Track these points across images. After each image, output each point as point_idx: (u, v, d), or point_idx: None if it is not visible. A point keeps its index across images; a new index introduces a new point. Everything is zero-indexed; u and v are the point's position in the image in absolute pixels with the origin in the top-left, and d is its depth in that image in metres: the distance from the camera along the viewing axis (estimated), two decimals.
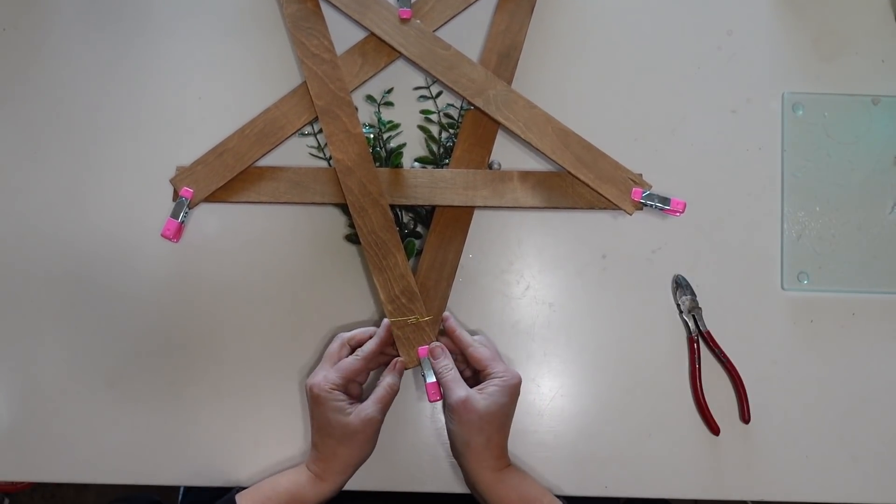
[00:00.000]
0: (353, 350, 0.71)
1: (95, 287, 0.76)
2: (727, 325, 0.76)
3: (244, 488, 0.70)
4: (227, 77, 0.80)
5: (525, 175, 0.76)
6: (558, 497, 0.69)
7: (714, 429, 0.74)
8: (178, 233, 0.76)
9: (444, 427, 0.74)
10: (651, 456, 0.74)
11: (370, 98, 0.79)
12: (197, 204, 0.76)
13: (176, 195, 0.76)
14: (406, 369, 0.72)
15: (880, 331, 0.76)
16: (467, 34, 0.79)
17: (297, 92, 0.78)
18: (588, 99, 0.79)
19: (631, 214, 0.76)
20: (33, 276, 0.77)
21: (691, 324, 0.75)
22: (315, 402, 0.68)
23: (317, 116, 0.77)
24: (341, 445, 0.68)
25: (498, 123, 0.77)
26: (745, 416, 0.74)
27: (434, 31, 0.78)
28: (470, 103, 0.77)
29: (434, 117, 0.79)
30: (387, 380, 0.70)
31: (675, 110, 0.79)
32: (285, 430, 0.75)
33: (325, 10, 0.79)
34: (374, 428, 0.69)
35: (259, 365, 0.75)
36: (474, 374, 0.72)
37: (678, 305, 0.76)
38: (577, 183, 0.76)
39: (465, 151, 0.77)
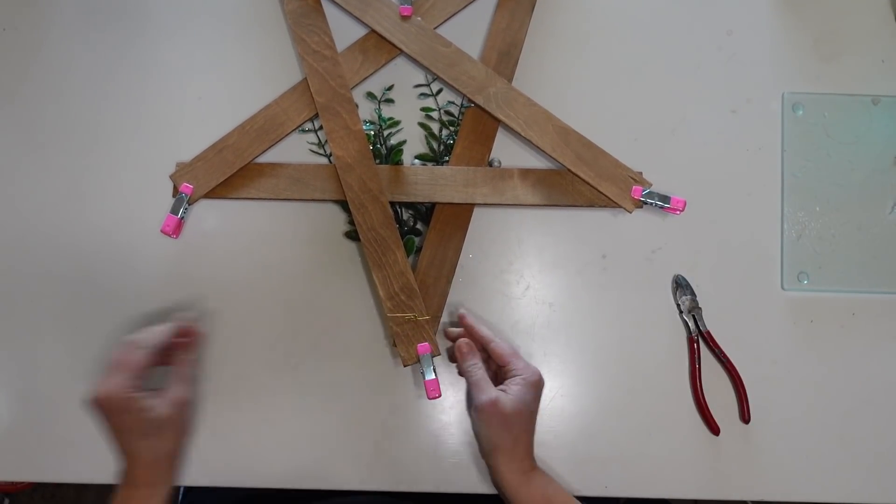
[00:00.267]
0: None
1: (95, 284, 0.76)
2: (727, 325, 0.76)
3: None
4: (227, 73, 0.80)
5: (525, 172, 0.76)
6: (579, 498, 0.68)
7: (714, 429, 0.74)
8: (177, 229, 0.76)
9: (444, 427, 0.74)
10: (651, 456, 0.74)
11: (371, 95, 0.79)
12: (197, 200, 0.76)
13: (176, 191, 0.76)
14: (405, 367, 0.72)
15: (880, 331, 0.76)
16: (468, 32, 0.80)
17: (297, 88, 0.78)
18: (588, 97, 0.79)
19: (631, 212, 0.76)
20: (33, 274, 0.76)
21: (691, 324, 0.75)
22: (113, 411, 0.61)
23: (317, 113, 0.76)
24: (160, 440, 0.63)
25: (498, 121, 0.77)
26: (745, 416, 0.74)
27: (435, 28, 0.79)
28: (470, 101, 0.77)
29: (434, 114, 0.79)
30: (181, 356, 0.67)
31: (675, 110, 0.79)
32: (285, 429, 0.74)
33: (326, 6, 0.79)
34: (186, 409, 0.65)
35: (258, 362, 0.75)
36: (493, 372, 0.71)
37: (678, 305, 0.76)
38: (578, 181, 0.76)
39: (466, 149, 0.77)
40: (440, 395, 0.71)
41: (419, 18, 0.78)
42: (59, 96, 0.79)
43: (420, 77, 0.80)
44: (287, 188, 0.76)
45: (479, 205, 0.77)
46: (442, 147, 0.78)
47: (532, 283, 0.77)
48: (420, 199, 0.75)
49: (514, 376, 0.67)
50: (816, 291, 0.77)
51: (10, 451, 0.74)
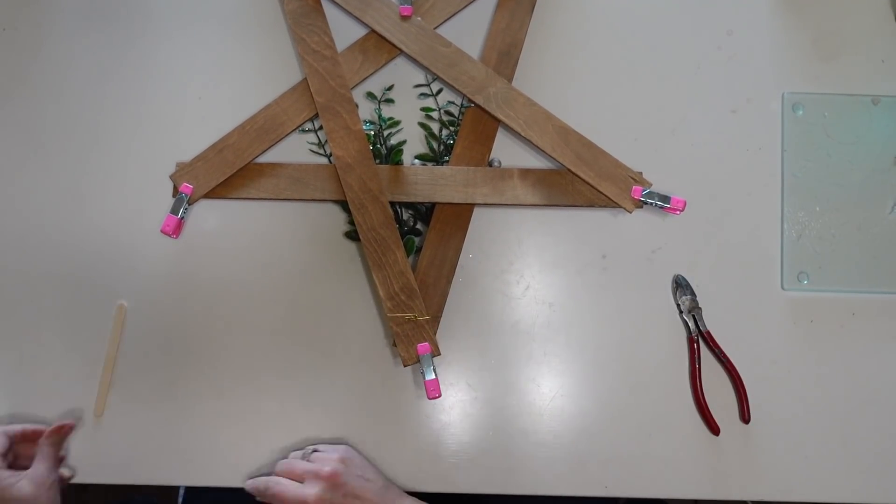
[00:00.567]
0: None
1: (95, 284, 0.76)
2: (727, 325, 0.76)
3: None
4: (227, 73, 0.80)
5: (525, 172, 0.76)
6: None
7: (714, 429, 0.74)
8: (177, 229, 0.76)
9: (444, 427, 0.74)
10: (651, 456, 0.74)
11: (371, 95, 0.79)
12: (197, 200, 0.76)
13: (176, 191, 0.76)
14: (405, 367, 0.72)
15: (880, 331, 0.76)
16: (468, 32, 0.80)
17: (297, 88, 0.78)
18: (588, 97, 0.79)
19: (631, 212, 0.76)
20: (33, 273, 0.76)
21: (691, 324, 0.75)
22: None
23: (317, 113, 0.76)
24: None
25: (498, 121, 0.77)
26: (745, 416, 0.74)
27: (435, 28, 0.79)
28: (470, 101, 0.77)
29: (434, 114, 0.79)
30: (45, 441, 0.68)
31: (675, 110, 0.79)
32: (285, 429, 0.74)
33: (326, 6, 0.79)
34: (50, 489, 0.66)
35: (258, 362, 0.75)
36: None
37: (678, 305, 0.76)
38: (578, 180, 0.76)
39: (466, 149, 0.77)
40: (440, 395, 0.71)
41: (419, 18, 0.78)
42: (59, 96, 0.79)
43: (420, 77, 0.80)
44: (287, 188, 0.76)
45: (479, 205, 0.77)
46: (442, 147, 0.78)
47: (532, 283, 0.77)
48: (420, 199, 0.75)
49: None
50: (816, 291, 0.77)
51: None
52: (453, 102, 0.79)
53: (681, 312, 0.76)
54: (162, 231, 0.75)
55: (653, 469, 0.74)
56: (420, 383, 0.74)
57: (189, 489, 0.88)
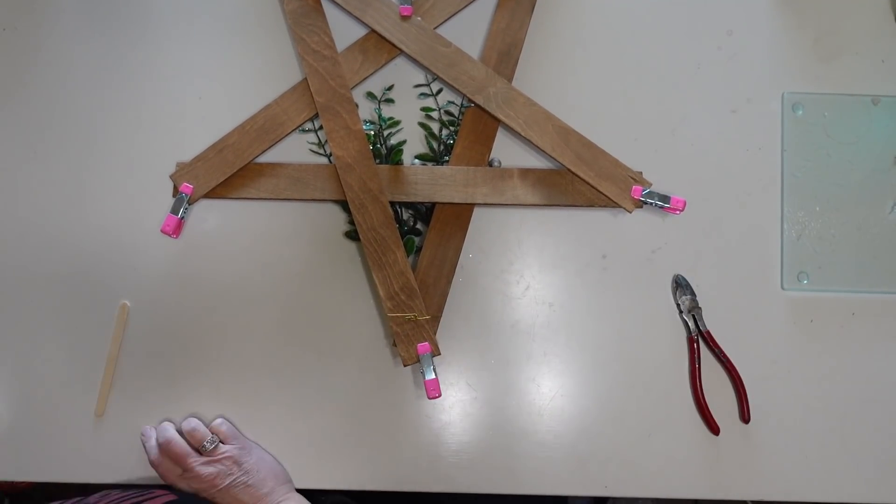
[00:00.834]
0: None
1: (95, 284, 0.76)
2: (727, 325, 0.76)
3: None
4: (227, 73, 0.80)
5: (525, 172, 0.76)
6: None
7: (714, 429, 0.74)
8: (177, 229, 0.76)
9: (444, 427, 0.74)
10: (651, 456, 0.74)
11: (371, 95, 0.79)
12: (197, 200, 0.76)
13: (176, 191, 0.76)
14: (405, 367, 0.72)
15: (880, 331, 0.76)
16: (468, 32, 0.80)
17: (297, 88, 0.78)
18: (588, 97, 0.79)
19: (631, 212, 0.76)
20: (33, 273, 0.76)
21: (691, 324, 0.75)
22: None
23: (317, 113, 0.76)
24: None
25: (498, 121, 0.77)
26: (745, 416, 0.74)
27: (435, 28, 0.79)
28: (470, 101, 0.77)
29: (434, 114, 0.79)
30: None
31: (675, 110, 0.79)
32: (285, 429, 0.74)
33: (326, 6, 0.79)
34: None
35: (259, 362, 0.75)
36: None
37: (678, 305, 0.76)
38: (577, 180, 0.76)
39: (466, 149, 0.77)
40: (440, 395, 0.71)
41: (419, 18, 0.78)
42: (59, 96, 0.79)
43: (420, 77, 0.80)
44: (287, 188, 0.76)
45: (479, 205, 0.77)
46: (442, 147, 0.78)
47: (532, 283, 0.77)
48: (420, 199, 0.75)
49: None
50: (816, 291, 0.77)
51: (10, 451, 0.74)
52: (453, 102, 0.79)
53: (681, 312, 0.76)
54: (162, 231, 0.75)
55: (653, 469, 0.74)
56: (420, 383, 0.74)
57: None
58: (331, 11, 0.79)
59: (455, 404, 0.75)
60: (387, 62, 0.79)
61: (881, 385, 0.75)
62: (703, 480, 0.74)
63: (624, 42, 0.81)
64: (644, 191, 0.76)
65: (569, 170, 0.76)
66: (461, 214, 0.76)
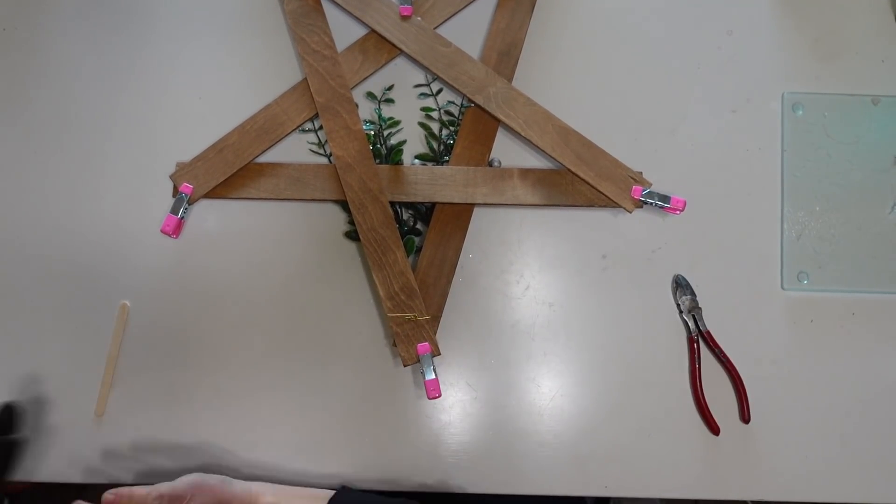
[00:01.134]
0: None
1: (95, 284, 0.76)
2: (727, 325, 0.76)
3: None
4: (227, 73, 0.80)
5: (525, 172, 0.76)
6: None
7: (714, 429, 0.74)
8: (177, 229, 0.76)
9: (444, 427, 0.74)
10: (651, 456, 0.74)
11: (371, 95, 0.79)
12: (197, 200, 0.76)
13: (176, 191, 0.76)
14: (405, 367, 0.72)
15: (880, 331, 0.76)
16: (468, 32, 0.80)
17: (297, 88, 0.78)
18: (588, 97, 0.79)
19: (631, 212, 0.76)
20: (33, 273, 0.76)
21: (691, 324, 0.75)
22: None
23: (317, 113, 0.76)
24: None
25: (498, 121, 0.77)
26: (745, 416, 0.74)
27: (435, 28, 0.79)
28: (470, 100, 0.77)
29: (434, 114, 0.79)
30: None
31: (675, 110, 0.79)
32: (285, 429, 0.74)
33: (326, 6, 0.79)
34: None
35: (258, 362, 0.75)
36: None
37: (678, 305, 0.76)
38: (577, 180, 0.76)
39: (466, 149, 0.77)
40: (440, 395, 0.71)
41: (419, 18, 0.78)
42: (58, 96, 0.79)
43: (420, 77, 0.80)
44: (287, 188, 0.76)
45: (479, 205, 0.77)
46: (442, 147, 0.78)
47: (532, 283, 0.77)
48: (420, 199, 0.75)
49: None
50: (816, 291, 0.77)
51: None
52: (453, 102, 0.79)
53: (681, 312, 0.76)
54: (162, 231, 0.75)
55: (653, 469, 0.74)
56: (420, 383, 0.74)
57: None
58: (331, 11, 0.79)
59: (455, 404, 0.75)
60: (387, 62, 0.79)
61: (881, 385, 0.75)
62: (703, 480, 0.74)
63: (624, 42, 0.81)
64: (644, 191, 0.76)
65: (569, 170, 0.76)
66: (461, 214, 0.76)
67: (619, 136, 0.78)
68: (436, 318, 0.74)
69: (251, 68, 0.80)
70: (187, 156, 0.77)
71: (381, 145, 0.78)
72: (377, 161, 0.76)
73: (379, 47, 0.79)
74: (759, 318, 0.76)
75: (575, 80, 0.80)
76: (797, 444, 0.74)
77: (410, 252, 0.75)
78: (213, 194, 0.76)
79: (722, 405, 0.75)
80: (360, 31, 0.79)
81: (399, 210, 0.77)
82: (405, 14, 0.77)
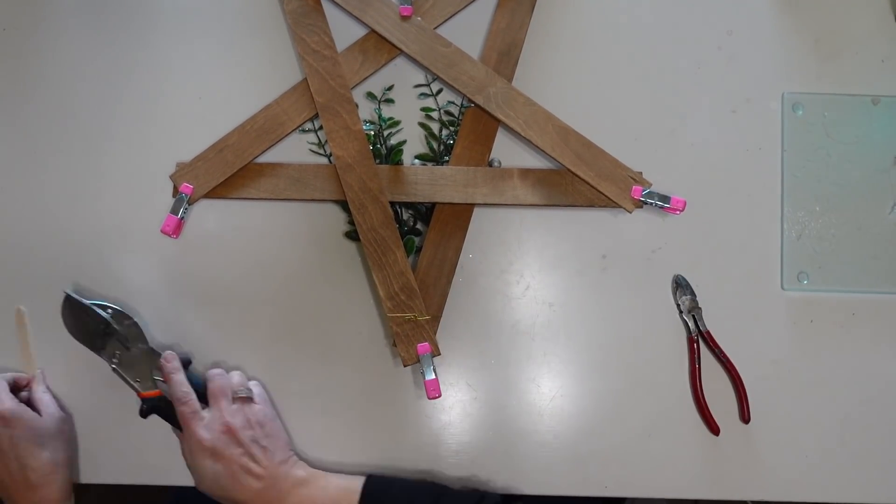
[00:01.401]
0: None
1: (95, 284, 0.76)
2: (727, 325, 0.76)
3: None
4: (227, 73, 0.80)
5: (525, 172, 0.76)
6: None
7: (714, 429, 0.74)
8: (177, 229, 0.76)
9: (444, 427, 0.74)
10: (651, 456, 0.74)
11: (371, 95, 0.79)
12: (197, 200, 0.76)
13: (176, 191, 0.76)
14: (405, 367, 0.72)
15: (880, 331, 0.76)
16: (468, 32, 0.80)
17: (297, 88, 0.78)
18: (588, 97, 0.79)
19: (631, 212, 0.76)
20: (33, 273, 0.76)
21: (691, 324, 0.75)
22: (10, 423, 0.68)
23: (317, 113, 0.76)
24: (52, 450, 0.70)
25: (498, 121, 0.77)
26: (745, 416, 0.74)
27: (435, 28, 0.79)
28: (470, 101, 0.77)
29: (434, 114, 0.79)
30: (38, 387, 0.74)
31: (675, 110, 0.79)
32: (284, 428, 0.74)
33: (326, 6, 0.79)
34: (65, 423, 0.73)
35: (258, 362, 0.75)
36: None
37: (678, 305, 0.76)
38: (577, 180, 0.76)
39: (466, 149, 0.77)
40: (440, 395, 0.71)
41: (419, 18, 0.78)
42: (58, 96, 0.79)
43: (420, 77, 0.80)
44: (287, 188, 0.76)
45: (479, 205, 0.77)
46: (442, 147, 0.78)
47: (532, 283, 0.77)
48: (420, 199, 0.75)
49: None
50: (816, 291, 0.77)
51: None
52: (453, 102, 0.79)
53: (681, 312, 0.76)
54: (162, 231, 0.75)
55: (653, 469, 0.74)
56: (420, 383, 0.74)
57: (182, 489, 0.88)
58: (331, 11, 0.79)
59: (455, 404, 0.75)
60: (387, 62, 0.79)
61: (881, 385, 0.75)
62: (703, 480, 0.74)
63: (624, 42, 0.81)
64: (644, 191, 0.76)
65: (569, 170, 0.76)
66: (461, 214, 0.76)
67: (619, 136, 0.78)
68: (436, 318, 0.74)
69: (251, 68, 0.80)
70: (187, 156, 0.77)
71: (381, 145, 0.78)
72: (377, 161, 0.76)
73: (379, 47, 0.79)
74: (759, 319, 0.76)
75: (575, 80, 0.80)
76: (797, 444, 0.74)
77: (410, 252, 0.75)
78: (213, 194, 0.76)
79: (722, 405, 0.75)
80: (360, 31, 0.79)
81: (399, 210, 0.77)
82: (405, 14, 0.77)
